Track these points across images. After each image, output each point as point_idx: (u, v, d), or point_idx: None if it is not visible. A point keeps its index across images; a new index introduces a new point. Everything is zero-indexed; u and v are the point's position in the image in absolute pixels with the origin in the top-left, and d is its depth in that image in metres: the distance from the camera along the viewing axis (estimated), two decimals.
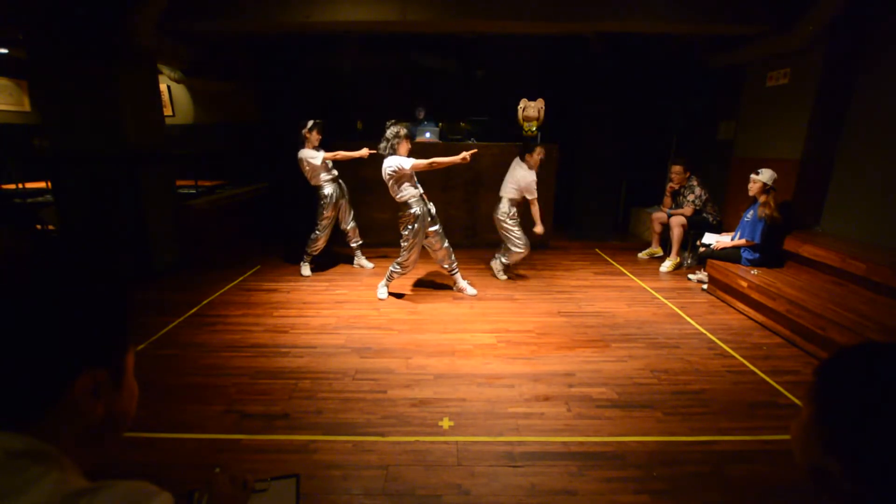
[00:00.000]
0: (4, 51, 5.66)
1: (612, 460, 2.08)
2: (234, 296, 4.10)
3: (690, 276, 4.67)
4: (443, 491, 1.89)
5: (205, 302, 3.93)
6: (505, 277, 4.56)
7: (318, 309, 3.79)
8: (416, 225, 3.71)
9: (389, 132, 3.63)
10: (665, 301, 4.05)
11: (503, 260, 4.53)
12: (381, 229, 5.59)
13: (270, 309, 3.78)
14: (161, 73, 5.97)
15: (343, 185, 4.54)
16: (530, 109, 5.45)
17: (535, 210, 4.26)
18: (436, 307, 3.87)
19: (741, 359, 3.04)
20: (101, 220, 4.31)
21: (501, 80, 6.86)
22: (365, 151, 4.20)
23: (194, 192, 5.51)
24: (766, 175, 3.93)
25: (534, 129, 5.54)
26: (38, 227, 4.53)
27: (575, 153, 6.22)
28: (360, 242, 4.85)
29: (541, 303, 3.98)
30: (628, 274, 4.82)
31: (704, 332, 3.44)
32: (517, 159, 4.27)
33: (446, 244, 3.98)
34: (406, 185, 3.68)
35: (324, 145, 4.35)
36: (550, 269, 4.97)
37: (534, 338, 3.32)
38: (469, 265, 4.91)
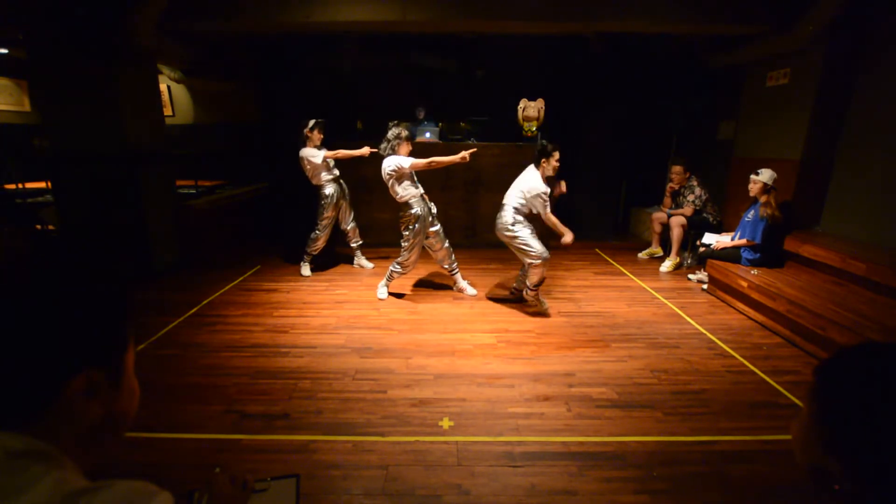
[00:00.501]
0: (4, 51, 5.66)
1: (612, 460, 2.08)
2: (234, 296, 4.10)
3: (690, 276, 4.67)
4: (443, 491, 1.89)
5: (205, 302, 3.93)
6: (546, 305, 3.75)
7: (318, 309, 3.79)
8: (416, 225, 3.71)
9: (391, 133, 3.65)
10: (665, 301, 4.05)
11: (529, 283, 3.66)
12: (382, 229, 5.59)
13: (270, 309, 3.78)
14: (161, 73, 5.98)
15: (344, 185, 4.54)
16: (530, 109, 5.45)
17: (552, 220, 3.65)
18: (436, 307, 3.87)
19: (741, 359, 3.04)
20: (101, 220, 4.31)
21: (501, 80, 6.85)
22: (366, 150, 4.20)
23: (194, 192, 5.50)
24: (766, 175, 3.93)
25: (534, 129, 5.54)
26: (38, 227, 4.54)
27: (575, 153, 6.22)
28: (360, 242, 4.85)
29: None
30: (628, 274, 4.82)
31: (704, 332, 3.44)
32: (531, 166, 3.66)
33: (447, 244, 3.99)
34: (406, 184, 3.68)
35: (324, 145, 4.36)
36: (550, 269, 4.92)
37: (534, 338, 3.32)
38: (469, 265, 4.91)
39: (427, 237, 3.88)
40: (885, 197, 3.77)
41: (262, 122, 6.71)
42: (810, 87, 4.17)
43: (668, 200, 5.19)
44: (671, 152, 6.13)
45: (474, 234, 5.85)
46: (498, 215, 3.68)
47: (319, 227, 4.47)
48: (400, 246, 3.85)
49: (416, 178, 3.78)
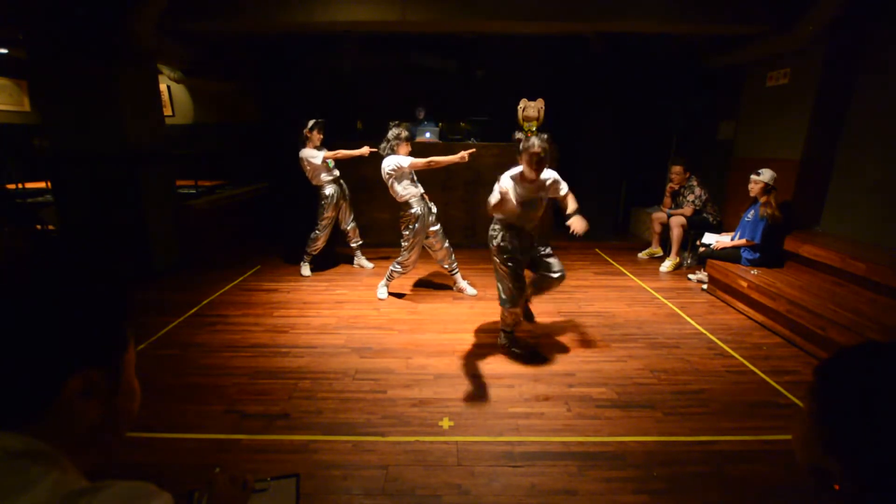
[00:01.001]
0: (4, 51, 5.66)
1: (612, 460, 2.08)
2: (234, 296, 4.10)
3: (690, 276, 4.67)
4: (443, 491, 1.89)
5: (205, 302, 3.93)
6: (519, 351, 3.07)
7: (318, 309, 3.79)
8: (416, 224, 3.71)
9: (391, 133, 3.67)
10: (665, 301, 4.05)
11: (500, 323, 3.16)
12: (382, 229, 5.60)
13: (270, 309, 3.78)
14: (161, 73, 5.98)
15: (344, 185, 4.54)
16: (530, 109, 5.45)
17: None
18: (436, 307, 3.87)
19: (741, 359, 3.04)
20: (101, 220, 4.31)
21: (501, 80, 6.86)
22: (365, 150, 4.20)
23: (194, 192, 5.50)
24: (766, 175, 3.93)
25: (534, 129, 5.53)
26: (38, 227, 4.54)
27: (575, 153, 6.22)
28: (360, 242, 4.85)
29: (541, 303, 3.97)
30: (628, 274, 4.82)
31: (704, 332, 3.44)
32: None
33: (447, 244, 3.99)
34: (406, 184, 3.69)
35: (324, 145, 4.36)
36: None
37: (534, 338, 3.32)
38: (469, 265, 4.91)
39: (427, 237, 3.88)
40: (885, 197, 3.77)
41: (262, 122, 6.71)
42: (810, 87, 4.17)
43: (668, 200, 5.19)
44: (671, 152, 6.13)
45: (474, 234, 5.85)
46: None
47: (319, 227, 4.47)
48: (400, 246, 3.85)
49: (415, 178, 3.78)
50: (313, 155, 4.21)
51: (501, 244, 2.90)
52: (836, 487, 0.58)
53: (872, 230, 3.86)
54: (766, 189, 3.95)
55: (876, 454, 0.54)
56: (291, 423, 2.31)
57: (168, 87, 6.72)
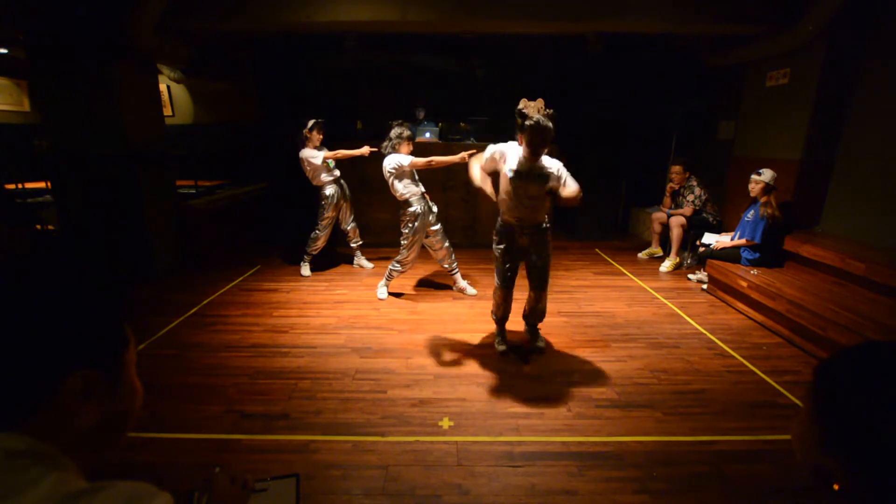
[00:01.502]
0: (4, 51, 5.66)
1: (612, 460, 2.08)
2: (234, 296, 4.10)
3: (690, 276, 4.67)
4: (443, 491, 1.89)
5: (205, 302, 3.93)
6: (503, 348, 3.09)
7: (318, 309, 3.79)
8: (416, 223, 3.72)
9: (393, 132, 3.69)
10: (665, 301, 4.05)
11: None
12: (382, 229, 5.59)
13: (270, 309, 3.78)
14: (161, 73, 5.98)
15: (345, 185, 4.54)
16: (530, 109, 5.45)
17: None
18: (436, 307, 3.87)
19: (741, 359, 3.04)
20: (101, 221, 4.31)
21: (501, 80, 6.86)
22: (366, 149, 4.20)
23: (194, 192, 5.50)
24: (767, 175, 3.93)
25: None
26: (38, 227, 4.54)
27: (575, 153, 6.22)
28: (361, 243, 4.85)
29: None
30: (628, 274, 4.82)
31: (704, 332, 3.44)
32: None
33: (447, 244, 3.99)
34: (406, 182, 3.69)
35: (324, 145, 4.35)
36: (550, 268, 4.96)
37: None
38: (469, 265, 4.91)
39: (427, 236, 3.89)
40: (885, 197, 3.77)
41: (262, 122, 6.70)
42: (810, 87, 4.17)
43: (667, 200, 5.19)
44: (671, 152, 6.13)
45: (474, 234, 5.85)
46: None
47: (320, 227, 4.48)
48: (400, 245, 3.86)
49: (416, 177, 3.79)
50: (313, 155, 4.21)
51: (494, 237, 2.94)
52: (836, 487, 0.58)
53: (872, 230, 3.86)
54: (767, 189, 3.95)
55: (875, 454, 0.54)
56: (291, 423, 2.31)
57: (168, 87, 6.72)
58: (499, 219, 2.88)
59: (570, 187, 2.70)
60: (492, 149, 2.75)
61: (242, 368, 2.85)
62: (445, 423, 2.32)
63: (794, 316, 3.20)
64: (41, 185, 5.29)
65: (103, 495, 0.46)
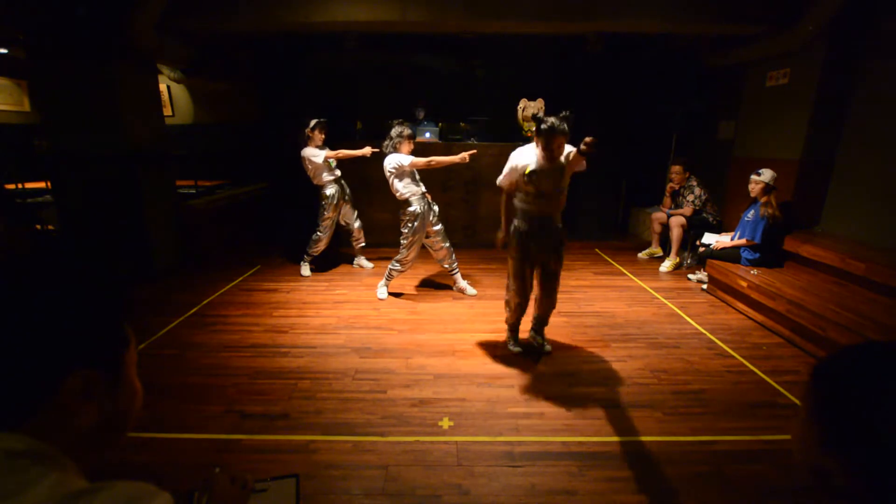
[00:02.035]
0: (4, 51, 5.66)
1: (612, 460, 2.08)
2: (234, 296, 4.10)
3: (690, 276, 4.67)
4: (442, 491, 1.89)
5: (205, 302, 3.93)
6: (517, 349, 3.10)
7: (318, 309, 3.79)
8: (415, 223, 3.72)
9: (393, 131, 3.70)
10: (665, 301, 4.05)
11: None
12: (382, 229, 5.59)
13: (270, 309, 3.78)
14: (161, 73, 5.97)
15: (345, 185, 4.54)
16: (530, 109, 5.45)
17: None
18: (436, 307, 3.87)
19: (741, 359, 3.04)
20: (100, 221, 4.31)
21: (501, 80, 6.86)
22: (367, 150, 4.20)
23: (194, 192, 5.50)
24: (767, 175, 3.93)
25: (534, 129, 5.53)
26: (38, 227, 4.54)
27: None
28: (364, 244, 4.84)
29: None
30: (628, 274, 4.82)
31: (704, 332, 3.44)
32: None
33: (447, 244, 4.00)
34: (407, 182, 3.70)
35: (325, 145, 4.35)
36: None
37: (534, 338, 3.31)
38: (469, 265, 4.91)
39: (428, 236, 3.90)
40: (885, 197, 3.77)
41: (262, 122, 6.70)
42: (810, 87, 4.17)
43: (667, 200, 5.19)
44: (671, 152, 6.13)
45: (474, 234, 5.85)
46: None
47: (321, 228, 4.47)
48: (400, 245, 3.86)
49: (417, 177, 3.79)
50: (315, 154, 4.21)
51: (512, 246, 2.85)
52: (836, 486, 0.58)
53: (872, 230, 3.86)
54: (767, 189, 3.95)
55: (875, 454, 0.54)
56: (291, 423, 2.31)
57: (168, 87, 6.72)
58: (513, 227, 2.84)
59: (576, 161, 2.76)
60: (510, 163, 2.77)
61: (242, 368, 2.85)
62: (445, 423, 2.32)
63: (794, 316, 3.20)
64: (41, 185, 5.28)
65: (103, 495, 0.46)
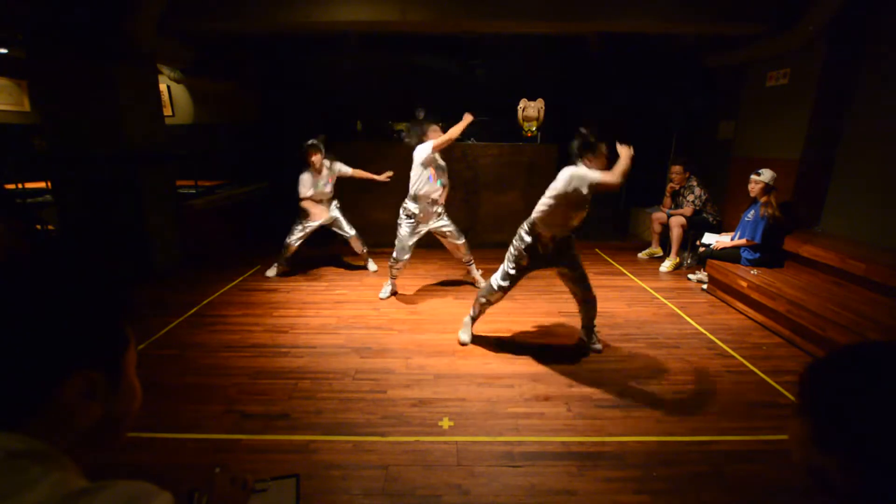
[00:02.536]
0: (4, 51, 5.66)
1: (612, 460, 2.08)
2: (234, 296, 4.10)
3: (690, 276, 4.67)
4: (443, 491, 1.89)
5: (205, 302, 3.93)
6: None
7: (318, 309, 3.79)
8: (404, 227, 3.79)
9: (419, 126, 3.79)
10: (665, 301, 4.05)
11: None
12: (383, 229, 5.58)
13: (270, 309, 3.78)
14: (161, 73, 5.97)
15: (334, 206, 4.45)
16: (530, 109, 5.46)
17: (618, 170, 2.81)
18: (436, 307, 3.87)
19: (741, 359, 3.04)
20: (101, 221, 4.31)
21: (501, 80, 6.86)
22: (386, 176, 4.29)
23: (194, 192, 5.50)
24: (767, 175, 3.93)
25: (534, 129, 5.54)
26: (38, 227, 4.53)
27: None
28: (366, 250, 4.72)
29: (541, 303, 3.98)
30: (628, 274, 4.82)
31: (704, 332, 3.44)
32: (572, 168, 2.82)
33: (462, 240, 4.08)
34: (420, 173, 3.72)
35: (329, 152, 4.29)
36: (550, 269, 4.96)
37: (534, 338, 3.32)
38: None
39: (445, 236, 4.02)
40: (885, 197, 3.77)
41: (262, 122, 6.71)
42: (810, 87, 4.17)
43: (667, 200, 5.19)
44: (671, 152, 6.13)
45: (474, 234, 5.84)
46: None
47: (292, 238, 4.38)
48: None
49: (439, 173, 3.80)
50: (304, 186, 4.14)
51: (523, 252, 2.93)
52: (834, 485, 0.58)
53: (872, 230, 3.86)
54: (767, 189, 3.95)
55: (868, 452, 0.54)
56: (291, 423, 2.31)
57: (168, 87, 6.72)
58: (527, 235, 2.90)
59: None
60: (575, 181, 2.77)
61: (242, 368, 2.85)
62: (445, 423, 2.32)
63: (794, 316, 3.20)
64: (41, 185, 5.28)
65: (103, 495, 0.46)
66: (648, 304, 3.99)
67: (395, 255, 3.89)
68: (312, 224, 4.37)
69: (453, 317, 3.66)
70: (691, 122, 5.99)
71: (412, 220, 3.79)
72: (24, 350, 0.48)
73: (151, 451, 2.11)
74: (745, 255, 4.03)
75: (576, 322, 3.58)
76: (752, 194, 4.04)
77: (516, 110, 5.51)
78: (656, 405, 2.51)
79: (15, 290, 0.50)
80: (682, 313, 3.79)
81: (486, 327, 3.45)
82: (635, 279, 4.65)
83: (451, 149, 5.58)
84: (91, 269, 0.56)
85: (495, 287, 3.05)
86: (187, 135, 6.85)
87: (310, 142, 4.16)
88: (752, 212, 4.03)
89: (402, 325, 3.50)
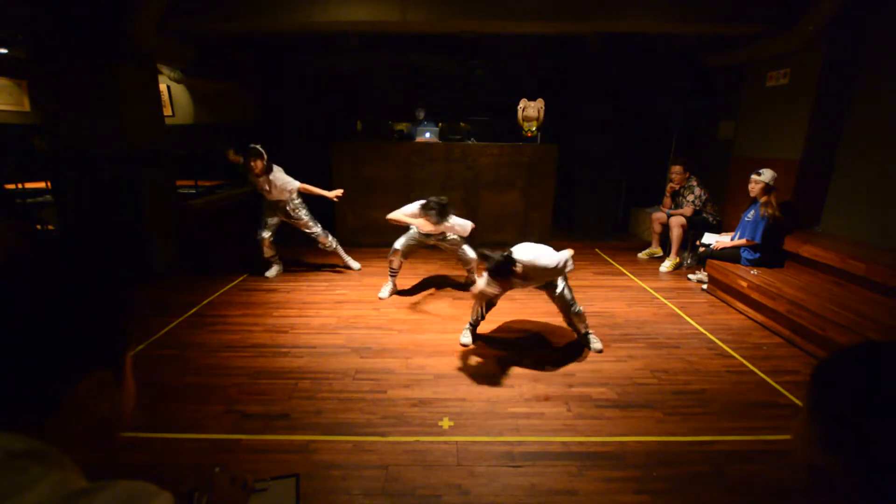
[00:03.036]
0: (4, 51, 5.66)
1: (612, 460, 2.08)
2: (234, 296, 4.10)
3: (690, 276, 4.67)
4: (443, 491, 1.89)
5: (205, 302, 3.93)
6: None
7: (318, 309, 3.79)
8: (392, 252, 3.94)
9: (437, 204, 3.61)
10: (665, 301, 4.05)
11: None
12: (382, 229, 5.59)
13: (270, 309, 3.78)
14: (161, 73, 5.98)
15: (289, 211, 4.38)
16: (530, 109, 5.46)
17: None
18: (436, 307, 3.87)
19: (741, 359, 3.04)
20: (101, 221, 4.31)
21: (501, 80, 6.86)
22: (335, 193, 4.27)
23: (194, 192, 5.51)
24: (767, 175, 3.93)
25: (534, 129, 5.54)
26: (38, 227, 4.53)
27: (575, 153, 6.22)
28: (333, 247, 4.63)
29: (541, 303, 3.97)
30: (628, 274, 4.82)
31: (704, 332, 3.44)
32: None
33: (473, 255, 4.09)
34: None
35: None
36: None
37: (534, 337, 3.31)
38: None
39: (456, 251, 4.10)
40: (885, 197, 3.77)
41: (262, 122, 6.71)
42: (810, 87, 4.17)
43: (667, 200, 5.19)
44: (671, 152, 6.13)
45: (475, 234, 5.84)
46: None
47: (260, 232, 4.42)
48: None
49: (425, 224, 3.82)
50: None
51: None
52: (836, 485, 0.58)
53: (872, 230, 3.86)
54: (767, 189, 3.95)
55: (873, 453, 0.54)
56: (291, 423, 2.31)
57: (168, 87, 6.72)
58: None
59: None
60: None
61: (242, 368, 2.85)
62: (445, 423, 2.32)
63: (794, 316, 3.20)
64: (41, 185, 5.28)
65: (103, 495, 0.46)
66: (648, 304, 3.99)
67: (389, 258, 4.01)
68: (271, 220, 4.39)
69: (453, 317, 3.66)
70: (691, 122, 5.99)
71: (395, 252, 3.93)
72: (43, 352, 0.49)
73: (151, 451, 2.11)
74: (745, 255, 4.03)
75: None
76: (752, 194, 4.04)
77: (516, 110, 5.51)
78: (656, 405, 2.51)
79: (35, 293, 0.50)
80: (682, 313, 3.79)
81: (486, 327, 3.45)
82: (635, 279, 4.65)
83: (452, 149, 5.60)
84: (100, 270, 0.56)
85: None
86: (187, 135, 6.85)
87: (253, 147, 4.20)
88: (752, 212, 4.03)
89: (402, 325, 3.50)
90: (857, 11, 3.82)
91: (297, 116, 6.89)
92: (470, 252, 4.04)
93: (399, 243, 3.94)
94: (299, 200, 4.40)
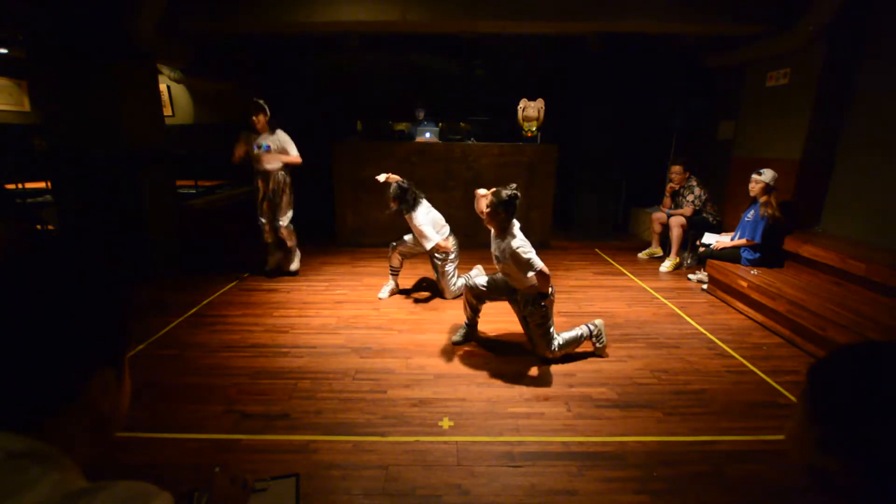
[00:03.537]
0: (4, 51, 5.66)
1: (612, 460, 2.08)
2: (234, 296, 4.10)
3: (690, 276, 4.67)
4: (443, 491, 1.89)
5: (205, 302, 3.93)
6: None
7: (318, 309, 3.79)
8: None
9: (399, 187, 3.77)
10: (665, 301, 4.05)
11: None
12: (383, 229, 5.59)
13: (270, 309, 3.78)
14: (161, 73, 5.98)
15: (277, 181, 4.29)
16: (530, 109, 5.45)
17: None
18: (436, 307, 3.87)
19: (741, 359, 3.04)
20: (100, 221, 4.31)
21: (501, 80, 6.86)
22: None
23: (194, 192, 5.51)
24: (767, 175, 3.94)
25: (534, 129, 5.54)
26: (38, 227, 4.54)
27: (575, 153, 6.22)
28: (291, 245, 4.52)
29: None
30: (628, 274, 4.82)
31: (704, 332, 3.44)
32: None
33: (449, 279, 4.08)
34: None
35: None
36: (550, 269, 4.93)
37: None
38: (469, 265, 4.89)
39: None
40: (885, 197, 3.77)
41: None
42: (810, 87, 4.17)
43: (667, 200, 5.19)
44: (671, 152, 6.14)
45: (475, 234, 5.84)
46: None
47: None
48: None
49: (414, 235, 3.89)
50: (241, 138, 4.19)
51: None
52: (834, 485, 0.58)
53: (872, 230, 3.86)
54: (767, 189, 3.95)
55: (870, 452, 0.54)
56: (291, 423, 2.31)
57: (168, 87, 6.72)
58: None
59: None
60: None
61: (242, 368, 2.85)
62: (445, 423, 2.32)
63: (794, 316, 3.20)
64: (41, 185, 5.29)
65: (103, 495, 0.46)
66: (648, 304, 3.99)
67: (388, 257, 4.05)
68: (264, 204, 4.33)
69: (453, 317, 3.66)
70: (691, 122, 5.99)
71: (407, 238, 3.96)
72: (57, 353, 0.49)
73: (151, 451, 2.11)
74: (745, 255, 4.03)
75: (576, 321, 3.58)
76: (752, 194, 4.04)
77: (516, 110, 5.51)
78: (656, 405, 2.51)
79: (46, 296, 0.50)
80: (682, 313, 3.79)
81: (486, 327, 3.45)
82: (635, 279, 4.65)
83: (452, 149, 5.60)
84: (105, 270, 0.56)
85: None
86: (187, 135, 6.85)
87: (256, 100, 4.23)
88: (752, 212, 4.03)
89: (402, 325, 3.50)
90: (857, 11, 3.82)
91: (297, 116, 6.90)
92: (450, 275, 4.00)
93: (395, 241, 3.99)
94: (289, 179, 4.33)
